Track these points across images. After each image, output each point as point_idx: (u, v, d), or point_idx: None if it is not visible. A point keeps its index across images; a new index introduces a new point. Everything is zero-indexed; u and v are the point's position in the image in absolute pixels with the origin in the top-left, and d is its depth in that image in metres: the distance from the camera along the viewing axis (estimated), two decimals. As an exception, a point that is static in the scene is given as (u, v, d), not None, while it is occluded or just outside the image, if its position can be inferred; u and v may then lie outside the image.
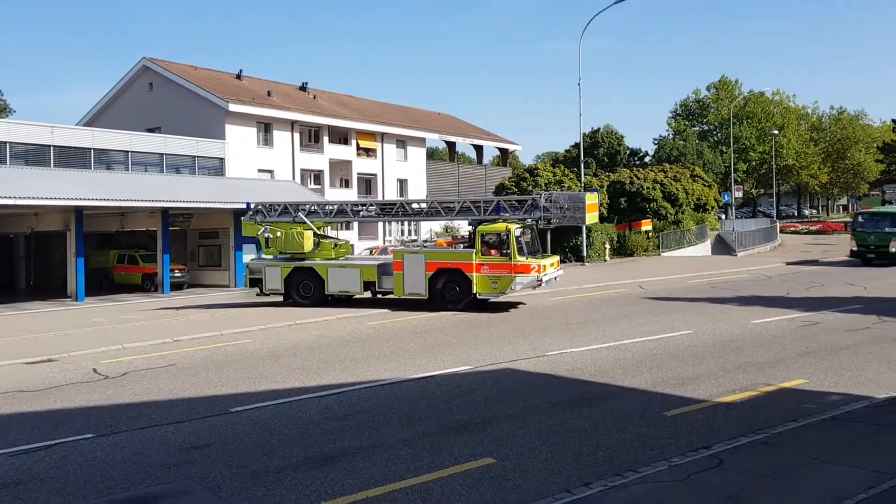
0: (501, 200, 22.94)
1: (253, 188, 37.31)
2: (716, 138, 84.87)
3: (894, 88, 70.10)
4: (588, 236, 38.23)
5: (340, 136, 50.43)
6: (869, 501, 6.88)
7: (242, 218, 25.66)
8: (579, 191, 36.72)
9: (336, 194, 48.21)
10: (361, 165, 51.60)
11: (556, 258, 24.97)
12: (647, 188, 42.38)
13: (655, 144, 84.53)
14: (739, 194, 75.26)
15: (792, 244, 51.27)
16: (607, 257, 39.10)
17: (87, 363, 15.32)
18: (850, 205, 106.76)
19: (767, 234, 50.49)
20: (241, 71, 49.92)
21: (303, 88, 53.38)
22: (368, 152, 52.17)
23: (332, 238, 26.39)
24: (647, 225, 43.93)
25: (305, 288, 23.74)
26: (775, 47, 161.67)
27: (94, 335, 19.28)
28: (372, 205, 25.61)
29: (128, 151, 37.57)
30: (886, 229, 32.47)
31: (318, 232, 24.54)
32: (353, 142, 50.80)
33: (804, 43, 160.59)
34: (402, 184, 54.38)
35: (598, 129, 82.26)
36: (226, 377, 13.57)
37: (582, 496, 7.28)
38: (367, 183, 52.71)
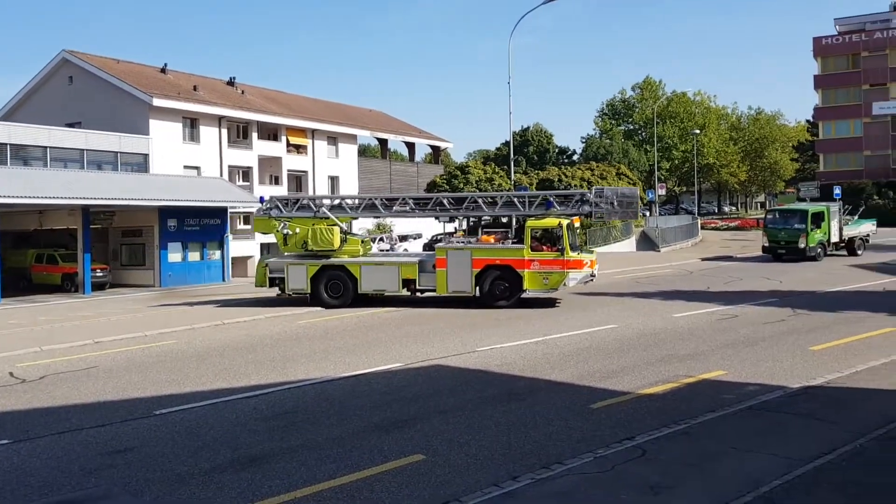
0: (550, 195, 22.71)
1: (179, 185, 36.39)
2: (640, 137, 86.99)
3: (809, 90, 73.63)
4: (518, 233, 38.69)
5: (270, 133, 49.67)
6: (782, 488, 7.19)
7: (254, 213, 23.79)
8: (509, 189, 37.14)
9: (265, 191, 47.44)
10: (292, 162, 50.95)
11: (594, 253, 24.56)
12: (575, 186, 43.16)
13: (583, 143, 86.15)
14: (663, 192, 77.31)
15: (712, 240, 52.92)
16: (537, 254, 39.64)
17: (2, 367, 14.70)
18: (768, 202, 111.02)
19: (689, 231, 52.03)
20: (165, 65, 48.63)
21: (230, 83, 52.35)
22: (299, 149, 51.55)
23: (358, 234, 25.40)
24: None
25: (334, 287, 22.41)
26: (697, 48, 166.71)
27: (11, 337, 18.50)
28: (406, 199, 23.92)
29: (47, 147, 36.09)
30: (796, 226, 33.60)
31: (343, 228, 23.36)
32: (283, 138, 50.10)
33: (724, 44, 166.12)
34: (334, 181, 53.93)
35: (528, 128, 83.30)
36: (150, 379, 13.24)
37: (510, 489, 7.39)
38: (298, 180, 52.07)
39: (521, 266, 21.18)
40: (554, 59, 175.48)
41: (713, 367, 12.81)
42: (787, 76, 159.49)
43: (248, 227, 46.78)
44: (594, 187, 23.65)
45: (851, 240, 35.67)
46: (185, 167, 42.17)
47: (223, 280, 35.59)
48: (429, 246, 38.27)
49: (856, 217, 38.08)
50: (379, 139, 62.95)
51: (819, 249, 33.50)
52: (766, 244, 34.92)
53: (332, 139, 54.08)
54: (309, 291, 22.47)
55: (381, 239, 27.80)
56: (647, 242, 49.56)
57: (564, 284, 21.33)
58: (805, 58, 75.41)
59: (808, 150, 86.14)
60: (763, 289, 23.85)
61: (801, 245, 33.10)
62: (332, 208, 23.35)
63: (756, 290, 23.59)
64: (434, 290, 21.96)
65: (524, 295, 21.49)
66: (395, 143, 68.25)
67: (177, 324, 19.80)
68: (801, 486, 7.23)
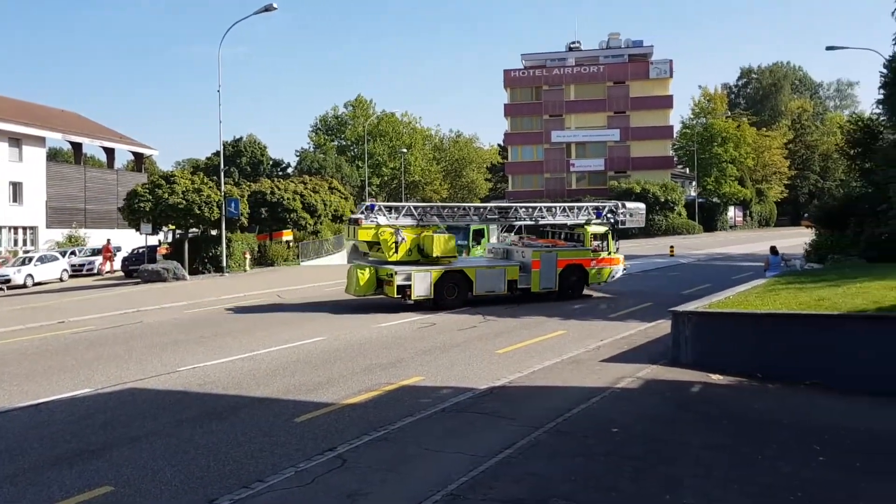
0: (600, 207, 26.37)
1: None
2: (353, 153, 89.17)
3: (501, 117, 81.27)
4: (228, 246, 37.56)
5: (-69, 130, 42.94)
6: (468, 484, 7.82)
7: (363, 220, 22.46)
8: (220, 199, 36.00)
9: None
10: (-40, 164, 44.49)
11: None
12: (288, 199, 42.90)
13: (298, 156, 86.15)
14: (374, 207, 79.84)
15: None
16: (248, 267, 38.80)
17: None
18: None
19: (397, 244, 54.49)
20: None
21: None
22: (-31, 150, 45.17)
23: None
24: (287, 235, 44.57)
25: (450, 291, 22.85)
26: (404, 71, 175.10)
27: None
28: (493, 209, 25.87)
29: None
30: (459, 242, 31.37)
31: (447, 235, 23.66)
32: (-51, 136, 43.60)
33: (429, 70, 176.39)
34: (17, 187, 48.06)
35: (242, 139, 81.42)
36: None
37: (206, 513, 7.20)
38: (-32, 185, 45.60)
39: (588, 264, 24.84)
40: (269, 71, 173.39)
41: (412, 374, 13.55)
42: (483, 103, 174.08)
43: None
44: (616, 202, 27.41)
45: None
46: None
47: None
48: (131, 258, 35.42)
49: (512, 234, 39.95)
50: (72, 143, 57.34)
51: None
52: None
53: (15, 140, 48.18)
54: (432, 296, 22.48)
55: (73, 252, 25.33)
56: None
57: (612, 277, 25.46)
58: (498, 87, 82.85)
59: (500, 171, 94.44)
60: (461, 298, 25.59)
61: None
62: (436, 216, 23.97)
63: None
64: (529, 289, 23.80)
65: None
66: (92, 147, 62.63)
67: None
68: (485, 481, 7.91)
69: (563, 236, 26.37)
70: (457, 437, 9.59)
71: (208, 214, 35.79)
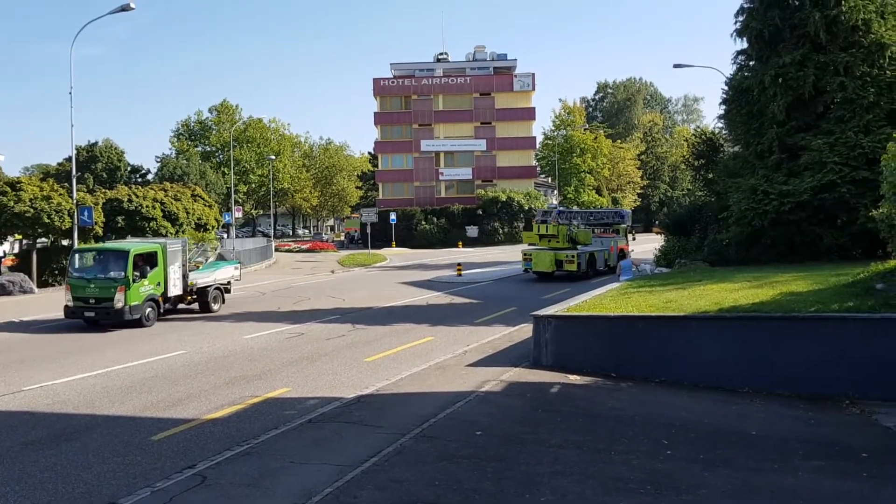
0: (623, 213, 41.39)
1: None
2: (218, 160, 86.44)
3: (371, 125, 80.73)
4: (80, 257, 35.39)
5: None
6: (333, 494, 7.80)
7: (551, 221, 35.12)
8: (72, 207, 33.92)
9: None
10: None
11: None
12: (147, 207, 40.91)
13: (159, 163, 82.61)
14: (240, 214, 77.83)
15: (285, 262, 54.49)
16: (102, 279, 36.69)
17: None
18: (336, 225, 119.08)
19: (263, 253, 52.97)
20: None
21: None
22: None
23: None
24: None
25: (592, 265, 33.71)
26: (272, 77, 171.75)
27: None
28: (577, 214, 40.63)
29: None
30: (112, 274, 20.92)
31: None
32: None
33: (299, 76, 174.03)
34: None
35: (97, 143, 77.19)
36: None
37: (53, 540, 6.81)
38: None
39: (625, 249, 38.06)
40: (127, 73, 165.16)
41: (279, 385, 13.33)
42: (354, 111, 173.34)
43: None
44: (619, 208, 45.05)
45: (204, 290, 23.87)
46: None
47: None
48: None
49: (212, 257, 27.29)
50: None
51: (148, 309, 21.19)
52: (71, 304, 21.06)
53: None
54: (586, 269, 33.06)
55: None
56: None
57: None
58: (368, 96, 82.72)
59: (371, 180, 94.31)
60: (328, 306, 25.27)
61: (120, 304, 20.42)
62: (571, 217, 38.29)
63: (322, 307, 24.89)
64: (609, 265, 34.96)
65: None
66: (-78, 150, 57.45)
67: None
68: (350, 491, 7.90)
69: (603, 230, 38.58)
70: (323, 448, 9.53)
71: (59, 223, 33.66)
